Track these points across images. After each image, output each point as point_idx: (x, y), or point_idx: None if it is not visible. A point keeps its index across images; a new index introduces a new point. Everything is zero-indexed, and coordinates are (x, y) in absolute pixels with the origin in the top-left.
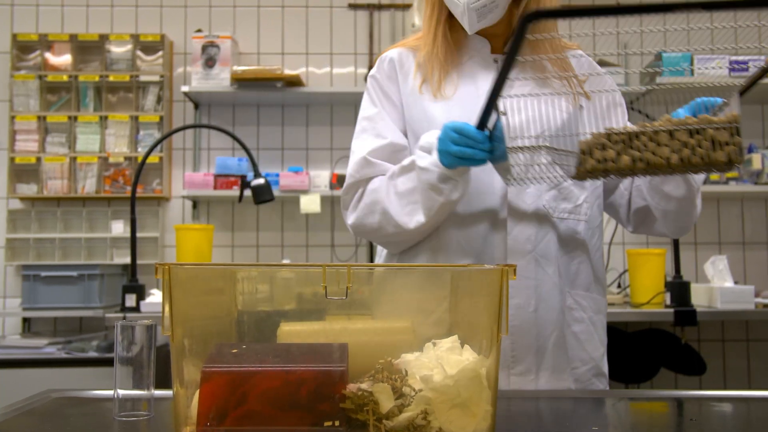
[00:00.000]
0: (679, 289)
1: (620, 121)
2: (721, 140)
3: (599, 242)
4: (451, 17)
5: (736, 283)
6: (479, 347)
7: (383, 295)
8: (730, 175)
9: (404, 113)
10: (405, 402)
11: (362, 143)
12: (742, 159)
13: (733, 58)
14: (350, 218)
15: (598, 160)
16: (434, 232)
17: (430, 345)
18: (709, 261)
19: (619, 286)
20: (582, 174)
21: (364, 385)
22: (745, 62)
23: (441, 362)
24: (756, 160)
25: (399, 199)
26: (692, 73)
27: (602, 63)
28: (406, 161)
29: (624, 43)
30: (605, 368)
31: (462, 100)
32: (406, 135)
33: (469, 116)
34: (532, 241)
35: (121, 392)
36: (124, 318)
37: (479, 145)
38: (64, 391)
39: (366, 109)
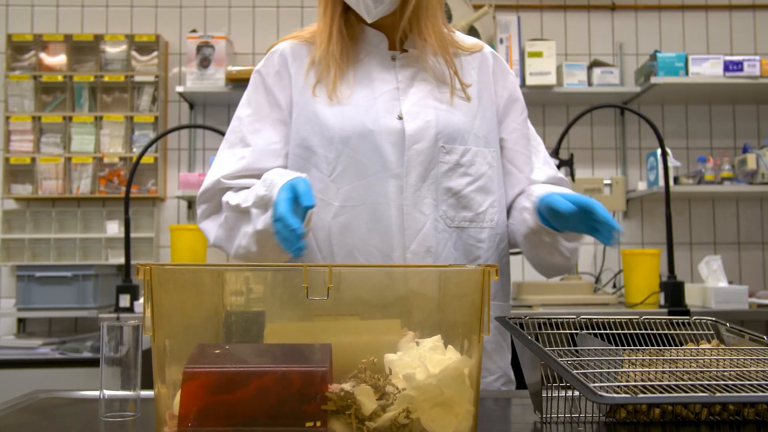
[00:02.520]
0: (672, 290)
1: (517, 119)
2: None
3: (507, 248)
4: (346, 11)
5: (730, 283)
6: (461, 347)
7: (366, 295)
8: (725, 174)
9: (292, 112)
10: (388, 401)
11: (225, 148)
12: None
13: (728, 58)
14: (211, 237)
15: (630, 411)
16: (331, 247)
17: (414, 344)
18: (703, 261)
19: (614, 286)
20: (612, 417)
21: (346, 386)
22: (740, 62)
23: (423, 361)
24: (750, 161)
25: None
26: (687, 73)
27: (597, 63)
28: (249, 205)
29: (619, 43)
30: (512, 375)
31: (357, 105)
32: (287, 136)
33: (363, 120)
34: (432, 253)
35: (107, 393)
36: (117, 318)
37: (293, 243)
38: (51, 391)
39: (241, 107)
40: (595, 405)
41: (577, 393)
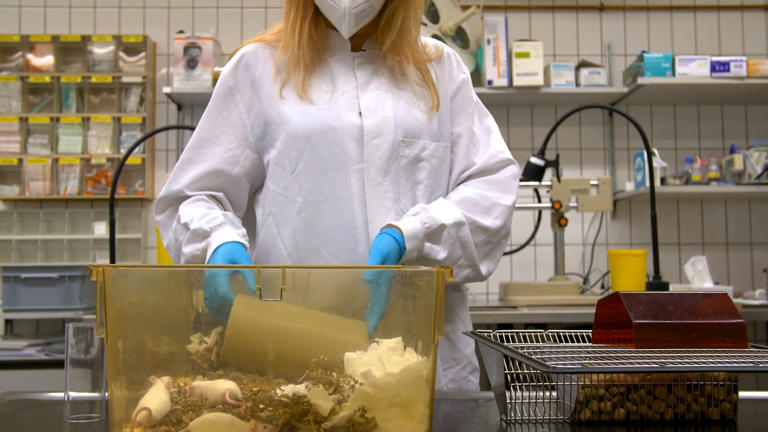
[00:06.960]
0: (657, 290)
1: (463, 113)
2: (717, 397)
3: None
4: (316, 14)
5: (716, 283)
6: (417, 349)
7: (320, 297)
8: (712, 175)
9: (254, 113)
10: (343, 395)
11: (186, 153)
12: (736, 416)
13: (714, 58)
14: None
15: (594, 411)
16: (296, 243)
17: (374, 344)
18: (689, 262)
19: (602, 286)
20: (576, 418)
21: (300, 389)
22: (726, 63)
23: (382, 361)
24: (738, 161)
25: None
26: (674, 73)
27: (585, 63)
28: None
29: (608, 43)
30: (477, 362)
31: (320, 104)
32: (246, 138)
33: (325, 118)
34: None
35: (73, 394)
36: None
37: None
38: (20, 393)
39: (206, 111)
40: (559, 406)
41: (541, 393)
